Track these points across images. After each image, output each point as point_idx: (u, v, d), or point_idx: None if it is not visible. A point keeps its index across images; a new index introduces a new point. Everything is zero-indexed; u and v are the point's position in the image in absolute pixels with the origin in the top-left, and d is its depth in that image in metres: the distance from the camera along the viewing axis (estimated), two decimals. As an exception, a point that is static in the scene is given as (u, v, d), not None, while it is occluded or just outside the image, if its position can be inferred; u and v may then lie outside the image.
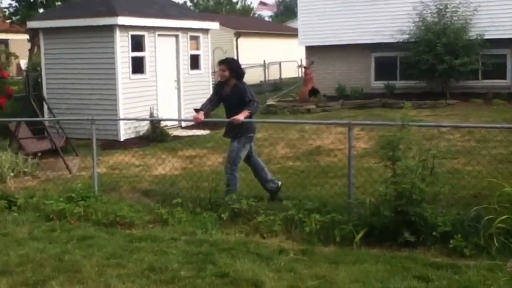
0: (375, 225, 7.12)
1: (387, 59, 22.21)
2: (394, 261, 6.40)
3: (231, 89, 8.93)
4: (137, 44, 15.70)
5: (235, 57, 33.41)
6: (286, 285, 5.76)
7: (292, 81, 29.88)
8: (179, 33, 17.19)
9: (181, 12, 18.27)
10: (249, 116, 8.81)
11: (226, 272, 6.00)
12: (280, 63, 31.83)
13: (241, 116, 8.63)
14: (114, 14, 14.95)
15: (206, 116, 9.10)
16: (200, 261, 6.36)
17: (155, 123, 15.00)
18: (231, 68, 8.93)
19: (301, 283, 5.79)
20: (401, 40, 20.44)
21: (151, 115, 15.62)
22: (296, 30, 25.66)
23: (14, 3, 27.57)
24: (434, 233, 6.81)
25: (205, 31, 18.32)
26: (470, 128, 12.75)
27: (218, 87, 9.22)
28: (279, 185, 9.16)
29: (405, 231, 6.85)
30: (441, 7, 20.08)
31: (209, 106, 9.13)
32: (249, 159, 9.18)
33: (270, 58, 31.04)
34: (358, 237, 6.98)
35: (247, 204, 8.06)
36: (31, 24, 17.17)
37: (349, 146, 8.05)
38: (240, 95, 8.81)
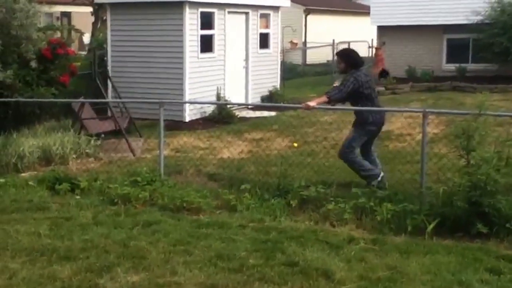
0: (448, 215, 6.98)
1: (460, 41, 21.65)
2: (466, 252, 6.28)
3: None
4: (206, 21, 15.53)
5: (303, 36, 33.19)
6: (356, 275, 5.66)
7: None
8: (249, 11, 16.97)
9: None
10: (328, 103, 8.72)
11: (295, 261, 5.93)
12: (349, 43, 31.28)
13: (312, 103, 8.53)
14: (184, -11, 14.77)
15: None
16: (269, 249, 6.29)
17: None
18: (345, 60, 8.88)
19: (372, 274, 5.69)
20: (475, 22, 19.82)
21: (218, 95, 15.56)
22: (367, 8, 25.19)
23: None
24: (507, 225, 6.65)
25: (276, 8, 18.06)
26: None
27: None
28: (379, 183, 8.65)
29: (478, 222, 6.71)
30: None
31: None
32: (364, 149, 8.98)
33: (339, 37, 30.50)
34: (430, 227, 6.85)
35: (316, 191, 7.97)
36: None
37: (423, 134, 7.89)
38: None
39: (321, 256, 6.05)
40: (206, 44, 15.54)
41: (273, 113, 15.60)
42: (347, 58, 8.94)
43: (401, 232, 6.92)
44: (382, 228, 7.04)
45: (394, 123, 13.28)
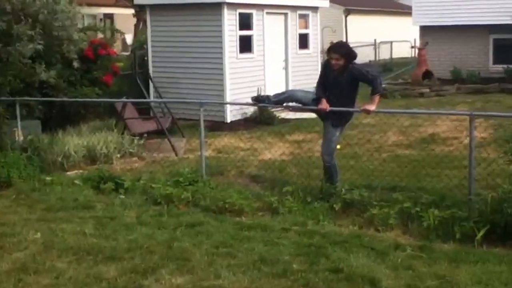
0: (498, 222, 6.74)
1: (507, 41, 21.18)
2: (518, 262, 6.04)
3: (342, 72, 8.27)
4: (245, 22, 15.52)
5: (344, 36, 32.88)
6: (404, 284, 5.51)
7: (403, 62, 28.90)
8: (288, 11, 16.91)
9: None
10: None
11: (340, 267, 5.80)
12: (391, 43, 30.89)
13: (372, 107, 8.18)
14: (222, -9, 14.75)
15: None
16: (312, 254, 6.18)
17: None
18: (345, 55, 8.25)
19: (420, 283, 5.53)
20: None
21: (259, 96, 15.45)
22: (409, 7, 24.84)
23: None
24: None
25: (315, 9, 17.97)
26: None
27: (325, 69, 8.54)
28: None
29: (530, 230, 6.48)
30: None
31: (324, 91, 8.50)
32: None
33: (380, 37, 30.15)
34: (479, 235, 6.62)
35: (360, 195, 7.81)
36: (139, 0, 17.23)
37: (470, 138, 7.65)
38: (356, 77, 8.26)
39: (366, 263, 5.92)
40: (245, 45, 15.54)
41: (313, 115, 15.37)
42: (348, 53, 8.30)
43: (449, 240, 6.71)
44: (429, 234, 6.82)
45: (440, 126, 13.03)
